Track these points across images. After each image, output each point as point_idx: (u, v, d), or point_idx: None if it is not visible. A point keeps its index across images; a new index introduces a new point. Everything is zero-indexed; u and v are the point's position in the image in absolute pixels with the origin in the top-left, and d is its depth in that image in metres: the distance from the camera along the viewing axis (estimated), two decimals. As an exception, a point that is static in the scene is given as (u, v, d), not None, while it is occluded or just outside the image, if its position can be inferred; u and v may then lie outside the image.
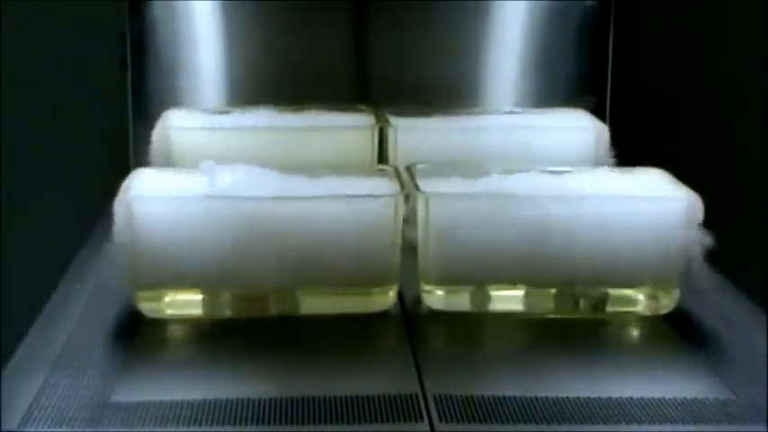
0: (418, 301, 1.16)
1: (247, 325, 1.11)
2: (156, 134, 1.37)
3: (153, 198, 1.12)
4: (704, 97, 1.73)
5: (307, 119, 1.43)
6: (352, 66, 1.62)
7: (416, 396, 0.97)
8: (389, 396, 0.97)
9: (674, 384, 1.02)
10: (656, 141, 1.66)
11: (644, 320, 1.15)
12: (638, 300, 1.15)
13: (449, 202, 1.13)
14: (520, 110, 1.54)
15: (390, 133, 1.39)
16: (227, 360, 1.05)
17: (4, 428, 0.91)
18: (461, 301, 1.14)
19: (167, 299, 1.12)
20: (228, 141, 1.37)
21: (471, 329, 1.13)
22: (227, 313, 1.12)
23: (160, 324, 1.12)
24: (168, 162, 1.35)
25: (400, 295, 1.16)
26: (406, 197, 1.13)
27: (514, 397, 0.97)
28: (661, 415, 0.95)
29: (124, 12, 1.56)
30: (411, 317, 1.15)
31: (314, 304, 1.13)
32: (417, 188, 1.14)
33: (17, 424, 0.92)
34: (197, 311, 1.12)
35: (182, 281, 1.11)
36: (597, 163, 1.38)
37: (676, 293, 1.15)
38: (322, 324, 1.12)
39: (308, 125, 1.41)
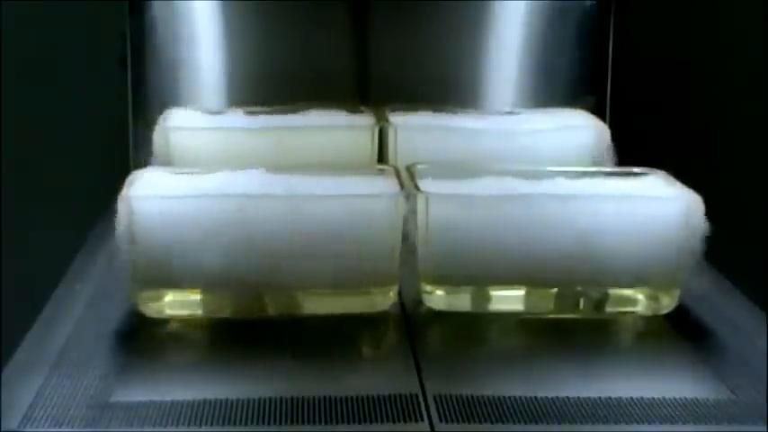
0: (418, 301, 1.16)
1: (247, 325, 1.11)
2: (156, 134, 1.37)
3: (154, 198, 1.12)
4: (705, 97, 1.73)
5: (307, 119, 1.42)
6: (353, 66, 1.61)
7: (416, 396, 0.97)
8: (389, 396, 0.97)
9: (674, 384, 1.02)
10: (656, 141, 1.66)
11: (644, 320, 1.15)
12: (639, 300, 1.15)
13: (449, 202, 1.13)
14: (520, 110, 1.54)
15: (390, 133, 1.38)
16: (227, 360, 1.05)
17: (4, 428, 0.91)
18: (461, 301, 1.14)
19: (167, 299, 1.12)
20: (228, 141, 1.37)
21: (471, 329, 1.13)
22: (227, 313, 1.12)
23: (160, 324, 1.12)
24: (168, 162, 1.35)
25: (400, 295, 1.16)
26: (407, 197, 1.13)
27: (514, 397, 0.97)
28: (661, 415, 0.95)
29: (124, 12, 1.56)
30: (411, 317, 1.15)
31: (314, 304, 1.13)
32: (417, 188, 1.14)
33: (17, 424, 0.92)
34: (197, 311, 1.12)
35: (182, 281, 1.11)
36: (597, 163, 1.37)
37: (676, 293, 1.15)
38: (322, 324, 1.12)
39: (308, 125, 1.41)
